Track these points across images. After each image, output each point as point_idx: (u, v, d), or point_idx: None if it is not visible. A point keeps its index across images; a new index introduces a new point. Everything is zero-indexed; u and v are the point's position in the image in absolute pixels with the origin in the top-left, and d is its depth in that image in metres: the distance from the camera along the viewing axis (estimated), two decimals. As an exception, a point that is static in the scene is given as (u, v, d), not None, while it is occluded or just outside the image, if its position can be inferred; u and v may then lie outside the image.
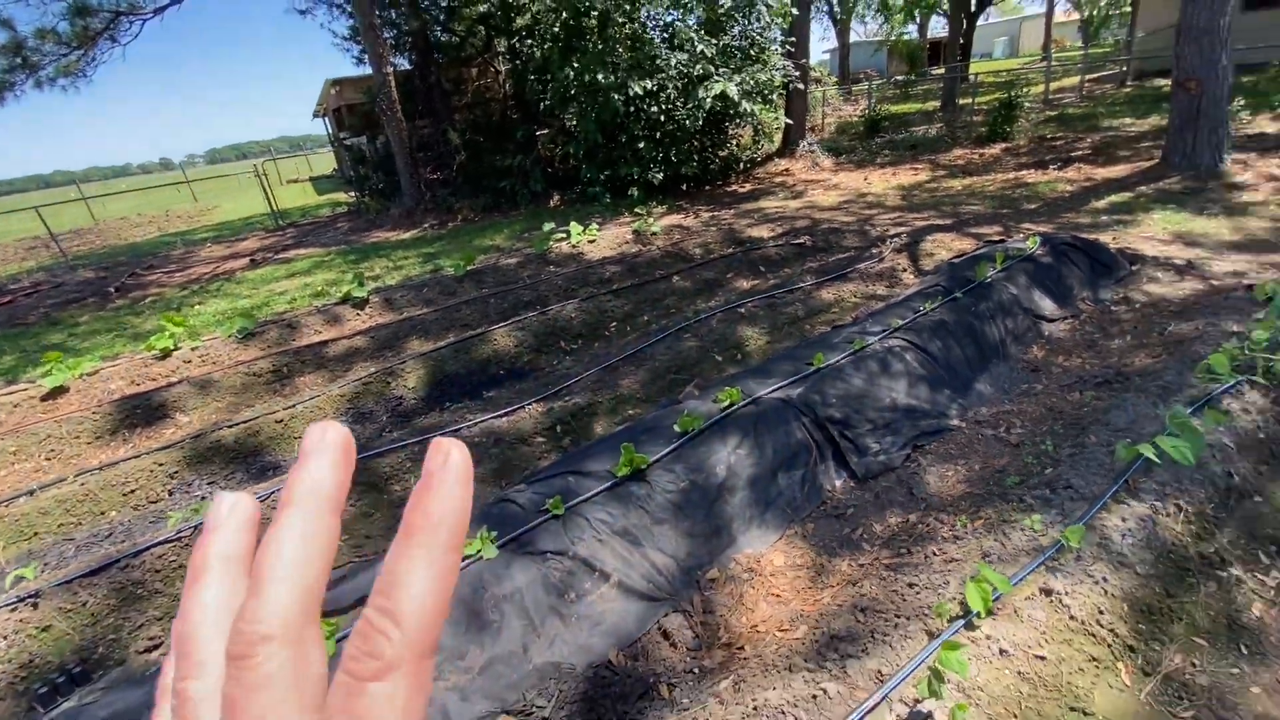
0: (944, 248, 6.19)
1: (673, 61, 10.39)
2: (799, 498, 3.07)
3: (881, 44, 43.45)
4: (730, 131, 12.53)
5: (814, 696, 1.89)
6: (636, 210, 9.04)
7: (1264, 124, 9.99)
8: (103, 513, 3.81)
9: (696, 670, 2.27)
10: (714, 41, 10.70)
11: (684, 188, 11.41)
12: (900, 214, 8.06)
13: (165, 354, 6.14)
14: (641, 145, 10.99)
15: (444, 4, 15.40)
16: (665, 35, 11.57)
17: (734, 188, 11.89)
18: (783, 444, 3.21)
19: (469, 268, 7.74)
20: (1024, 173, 9.37)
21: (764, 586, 2.63)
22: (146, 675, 2.59)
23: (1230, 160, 7.84)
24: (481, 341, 5.40)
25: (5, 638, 2.73)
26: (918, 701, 1.79)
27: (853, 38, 41.73)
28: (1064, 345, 4.10)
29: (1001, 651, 1.96)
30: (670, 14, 11.32)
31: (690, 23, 11.21)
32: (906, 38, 41.50)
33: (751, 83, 10.47)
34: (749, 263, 6.67)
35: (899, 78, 30.96)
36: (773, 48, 11.89)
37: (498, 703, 2.22)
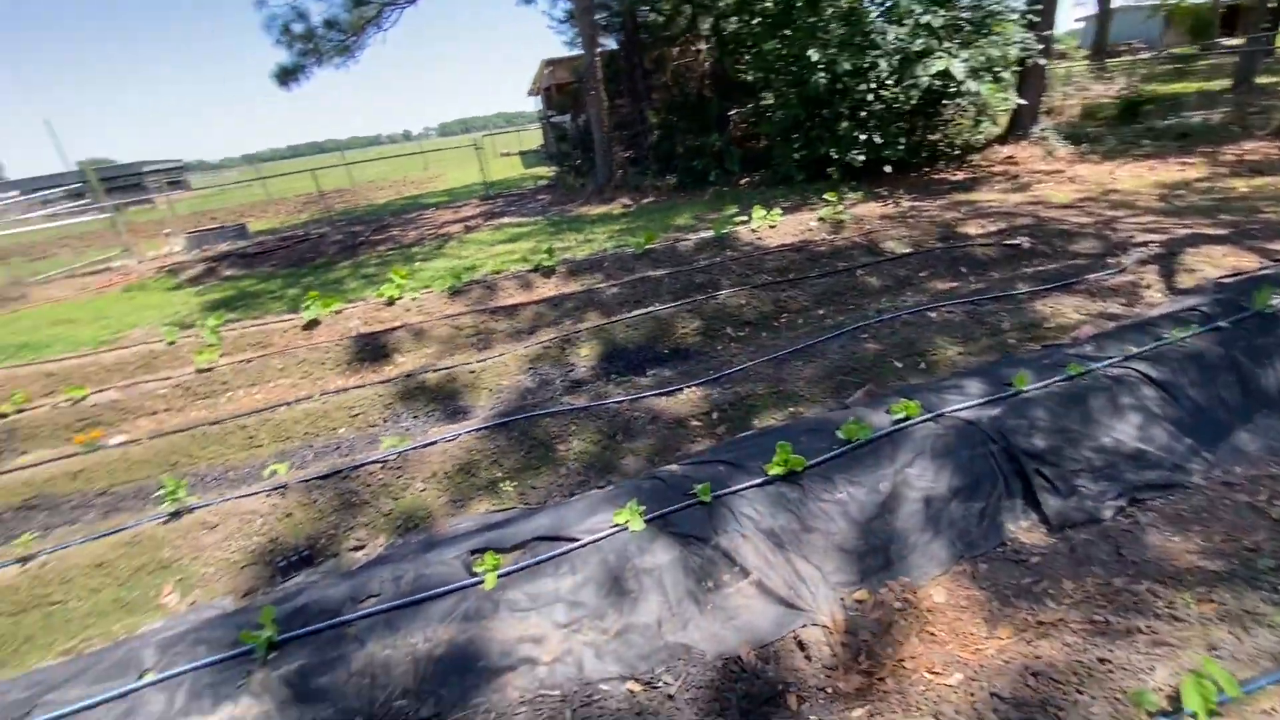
0: (1211, 264, 5.05)
1: (889, 36, 9.59)
2: (974, 533, 2.75)
3: (1157, 9, 35.97)
4: (947, 113, 11.32)
5: (961, 756, 1.70)
6: (827, 196, 8.56)
7: None
8: (335, 429, 4.61)
9: (830, 690, 2.17)
10: (940, 11, 9.66)
11: (886, 172, 10.57)
12: (1156, 218, 6.70)
13: (391, 301, 7.18)
14: (844, 125, 10.37)
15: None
16: (884, 7, 10.72)
17: (944, 175, 10.77)
18: (962, 470, 2.89)
19: (647, 246, 7.97)
20: (1352, 173, 7.26)
21: (918, 621, 2.41)
22: (352, 570, 3.10)
23: None
24: (651, 319, 5.55)
25: (262, 517, 3.45)
26: (1093, 799, 1.53)
27: (1117, 1, 35.08)
28: (1382, 404, 3.14)
29: (1221, 771, 1.60)
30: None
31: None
32: (1191, 2, 33.86)
33: (982, 58, 9.29)
34: (949, 261, 6.02)
35: (1175, 50, 25.41)
36: (1011, 17, 10.44)
37: (628, 668, 2.31)
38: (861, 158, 10.49)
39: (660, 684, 2.26)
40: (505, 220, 13.11)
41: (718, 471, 3.02)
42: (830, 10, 10.65)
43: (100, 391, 5.54)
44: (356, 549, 3.33)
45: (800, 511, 2.73)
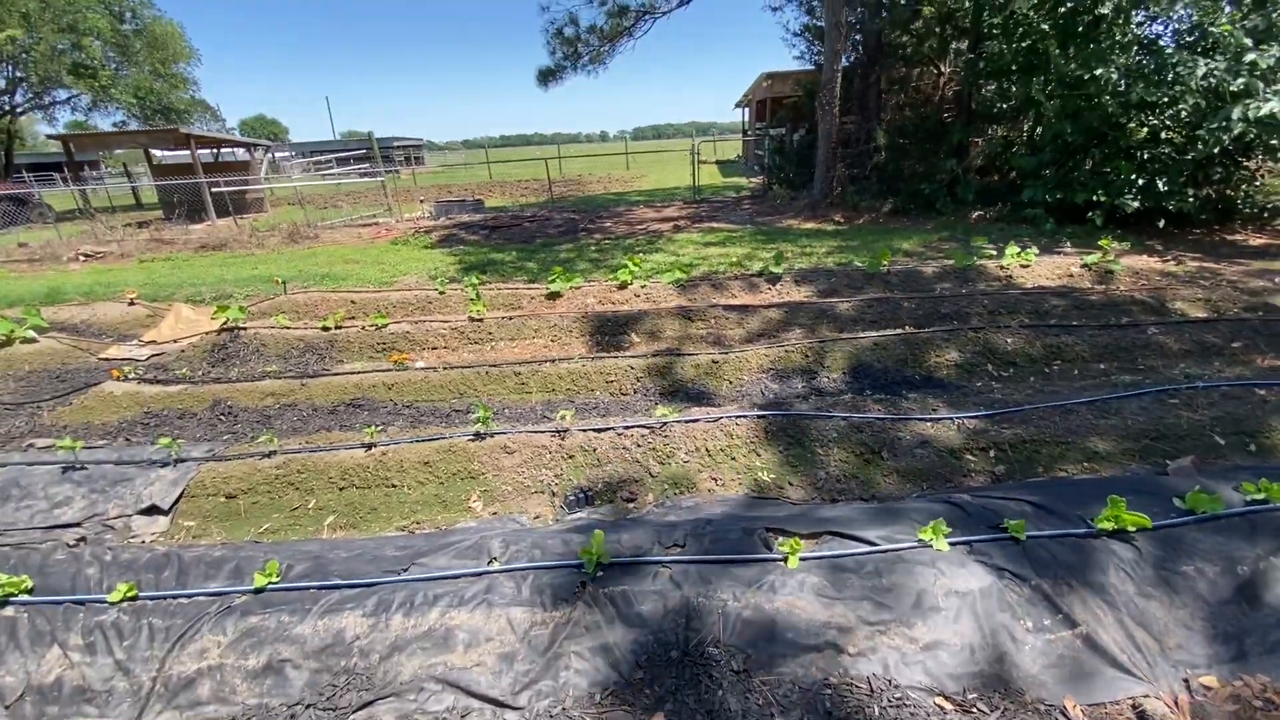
0: None
1: (1199, 71, 8.35)
2: (1366, 652, 2.32)
3: None
4: (1252, 167, 9.63)
5: None
6: (1102, 244, 7.67)
7: None
8: (592, 390, 5.04)
9: (1190, 775, 1.95)
10: (1273, 50, 8.22)
11: (1160, 224, 9.26)
12: None
13: (623, 285, 7.67)
14: (1121, 164, 9.24)
15: (900, 6, 15.17)
16: (1188, 40, 9.39)
17: (1238, 237, 9.16)
18: (1350, 576, 2.45)
19: (881, 267, 7.71)
20: None
21: (1294, 731, 2.09)
22: (627, 518, 3.38)
23: None
24: (901, 341, 5.37)
25: (550, 453, 3.87)
26: None
27: None
28: None
29: None
30: (1206, 13, 9.03)
31: (1238, 24, 8.76)
32: None
33: (1332, 105, 7.77)
34: (1272, 336, 5.12)
35: None
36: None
37: (936, 684, 2.27)
38: (1135, 204, 9.26)
39: (974, 709, 2.19)
40: (712, 225, 13.41)
41: (1023, 510, 2.85)
42: (1118, 37, 9.56)
43: (396, 323, 6.57)
44: (628, 500, 3.61)
45: (1135, 574, 2.49)
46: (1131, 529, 2.62)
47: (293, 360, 6.11)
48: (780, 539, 2.72)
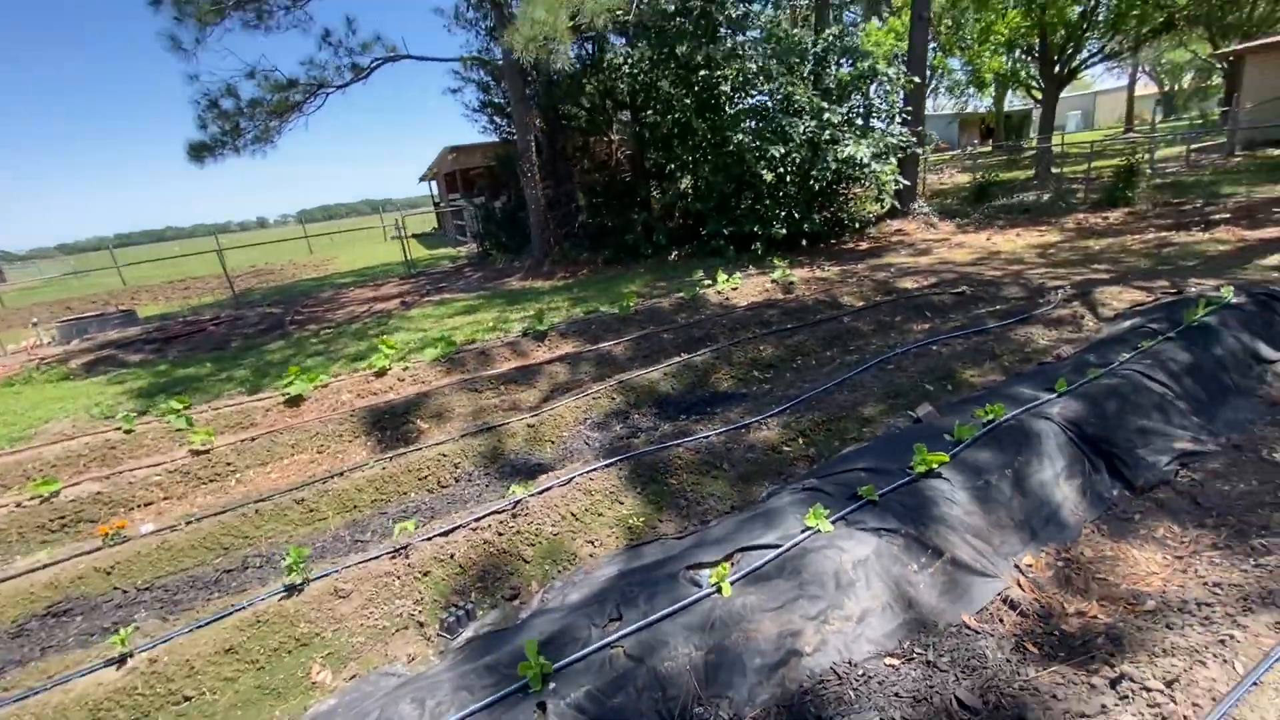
0: (1115, 299, 6.39)
1: (800, 128, 11.18)
2: (1084, 503, 3.31)
3: (955, 117, 44.98)
4: (846, 193, 13.16)
5: (1222, 641, 2.13)
6: (775, 261, 9.60)
7: None
8: (404, 493, 4.37)
9: (1058, 633, 2.52)
10: (839, 110, 11.47)
11: (802, 244, 11.98)
12: (1048, 269, 8.31)
13: (381, 373, 6.90)
14: (767, 203, 11.71)
15: (569, 82, 16.99)
16: (784, 106, 12.49)
17: (850, 245, 12.37)
18: (1055, 455, 3.48)
19: (629, 309, 8.37)
20: (1167, 234, 9.50)
21: (1084, 573, 2.87)
22: (521, 617, 3.01)
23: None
24: (683, 369, 5.89)
25: (399, 579, 3.23)
26: (1338, 648, 2.00)
27: (926, 110, 42.99)
28: (1298, 383, 4.24)
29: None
30: (790, 86, 12.17)
31: (809, 94, 11.97)
32: (981, 111, 43.00)
33: (881, 145, 11.10)
34: (914, 308, 7.02)
35: (983, 149, 31.67)
36: (886, 114, 12.63)
37: (879, 647, 2.52)
38: (784, 231, 11.83)
39: (914, 655, 2.49)
40: (445, 295, 12.95)
41: (860, 477, 3.37)
42: (738, 108, 12.31)
43: (73, 484, 4.78)
44: (512, 598, 3.21)
45: (955, 499, 3.14)
46: (937, 465, 3.31)
47: (-113, 588, 3.96)
48: (705, 572, 2.73)
